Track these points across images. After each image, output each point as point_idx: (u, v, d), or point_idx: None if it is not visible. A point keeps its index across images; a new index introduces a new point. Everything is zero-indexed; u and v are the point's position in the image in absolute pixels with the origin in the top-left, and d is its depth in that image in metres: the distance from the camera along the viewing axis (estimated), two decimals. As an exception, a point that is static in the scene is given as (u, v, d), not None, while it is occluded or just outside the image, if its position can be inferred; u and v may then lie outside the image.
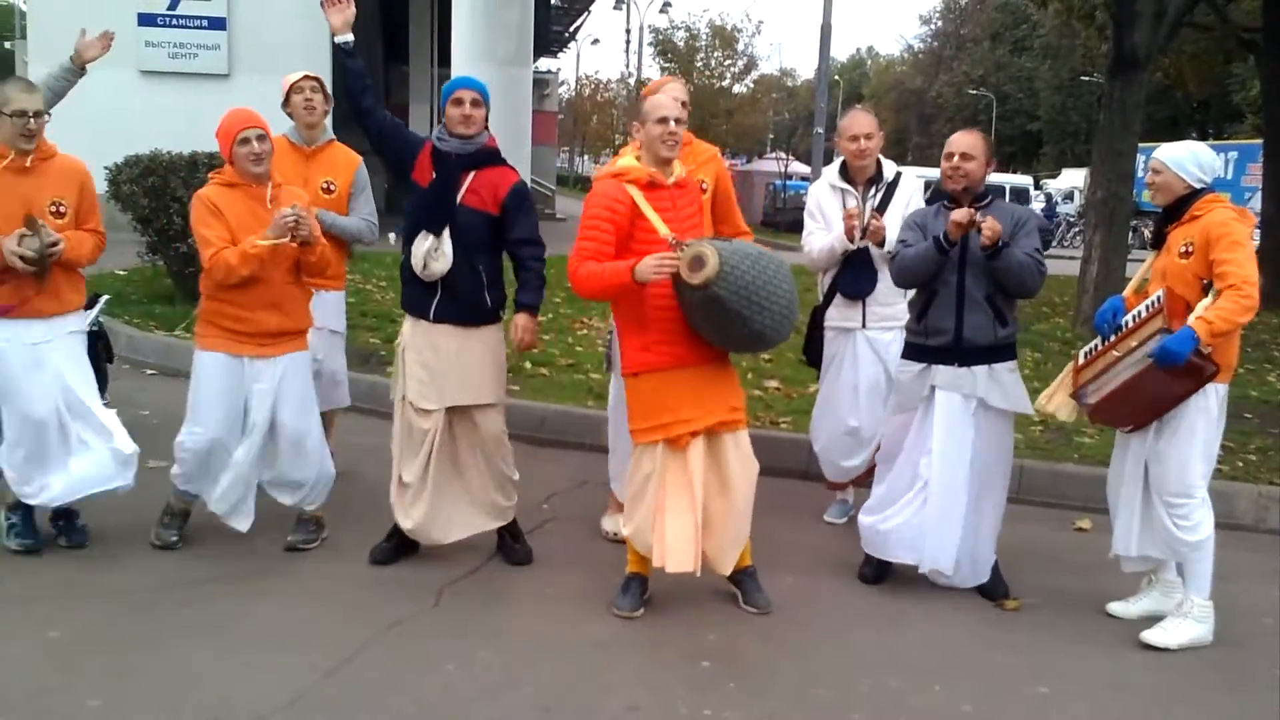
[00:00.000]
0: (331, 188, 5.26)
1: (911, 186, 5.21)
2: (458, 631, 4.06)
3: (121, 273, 10.88)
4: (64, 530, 4.66)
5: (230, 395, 4.55)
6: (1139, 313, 4.17)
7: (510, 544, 4.79)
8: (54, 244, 4.32)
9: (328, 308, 5.29)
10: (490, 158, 4.52)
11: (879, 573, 4.75)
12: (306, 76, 5.29)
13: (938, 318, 4.51)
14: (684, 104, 4.56)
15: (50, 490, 4.46)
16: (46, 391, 4.42)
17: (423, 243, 4.39)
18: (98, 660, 3.67)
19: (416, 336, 4.54)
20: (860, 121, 5.12)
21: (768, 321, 4.00)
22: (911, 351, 4.66)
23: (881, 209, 5.08)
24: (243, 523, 4.65)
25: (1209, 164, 4.25)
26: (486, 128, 4.57)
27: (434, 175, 4.42)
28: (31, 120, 4.32)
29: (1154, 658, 4.17)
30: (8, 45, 38.52)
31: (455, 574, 4.58)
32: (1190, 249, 4.13)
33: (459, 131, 4.45)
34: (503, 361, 4.71)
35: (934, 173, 4.90)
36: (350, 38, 4.50)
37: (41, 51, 16.13)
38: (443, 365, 4.49)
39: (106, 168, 9.42)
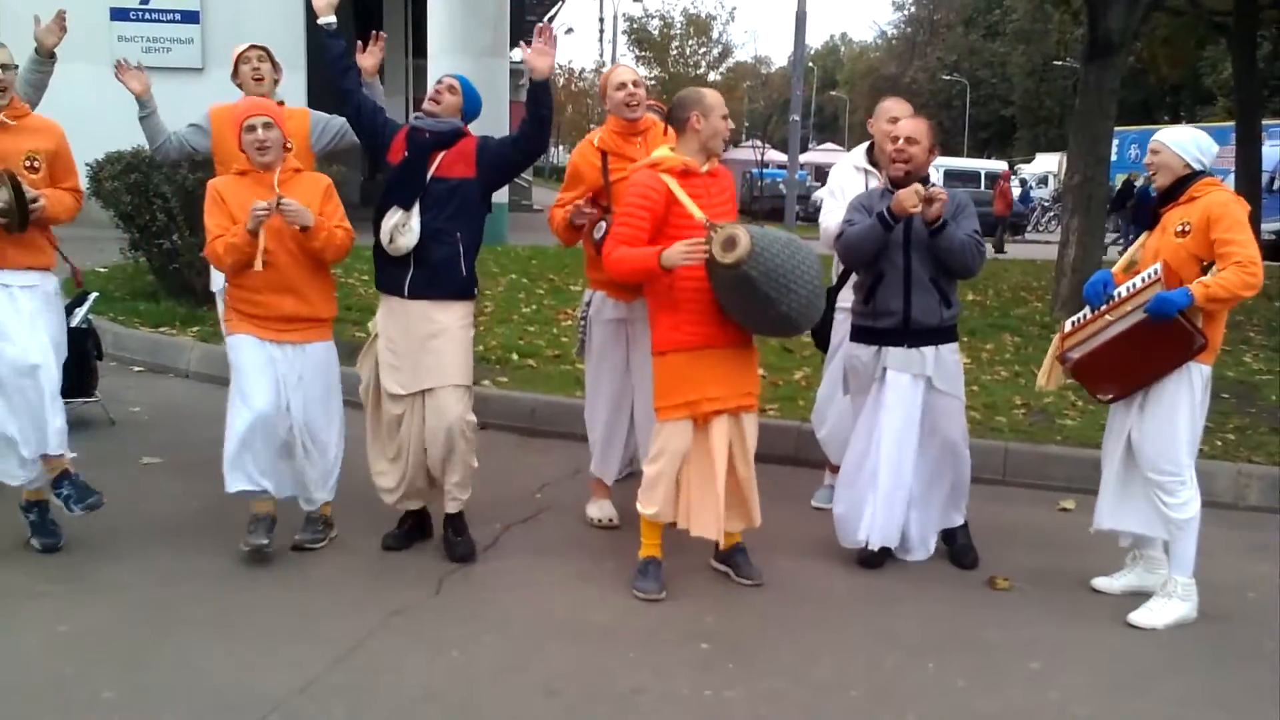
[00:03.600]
0: (288, 145, 5.26)
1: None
2: (461, 618, 4.12)
3: (103, 270, 10.84)
4: (36, 527, 4.56)
5: (269, 368, 4.49)
6: (1133, 284, 4.25)
7: (452, 536, 4.73)
8: (34, 201, 4.34)
9: None
10: (460, 137, 4.58)
11: (878, 557, 4.83)
12: (253, 46, 5.33)
13: (885, 299, 4.63)
14: (634, 83, 4.90)
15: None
16: (24, 334, 4.42)
17: (391, 217, 4.43)
18: (109, 653, 3.71)
19: (388, 319, 4.59)
20: (902, 108, 5.18)
21: (794, 305, 4.14)
22: (860, 334, 4.79)
23: None
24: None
25: (1207, 148, 4.34)
26: (463, 119, 4.64)
27: (405, 154, 4.50)
28: (2, 73, 4.37)
29: (1142, 633, 4.27)
30: (-24, 40, 38.06)
31: (454, 564, 4.63)
32: (1187, 228, 4.20)
33: (427, 109, 4.59)
34: (471, 344, 4.70)
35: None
36: (333, 19, 4.56)
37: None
38: (413, 347, 4.53)
39: (88, 164, 9.39)
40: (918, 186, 4.45)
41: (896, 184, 4.60)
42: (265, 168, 4.49)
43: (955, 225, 4.52)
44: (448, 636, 3.95)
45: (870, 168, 5.26)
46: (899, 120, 5.04)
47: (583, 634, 4.05)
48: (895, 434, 4.66)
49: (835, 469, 5.61)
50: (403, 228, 4.42)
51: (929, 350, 4.64)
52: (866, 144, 5.35)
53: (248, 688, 3.52)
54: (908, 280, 4.60)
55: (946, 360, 4.69)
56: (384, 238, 4.45)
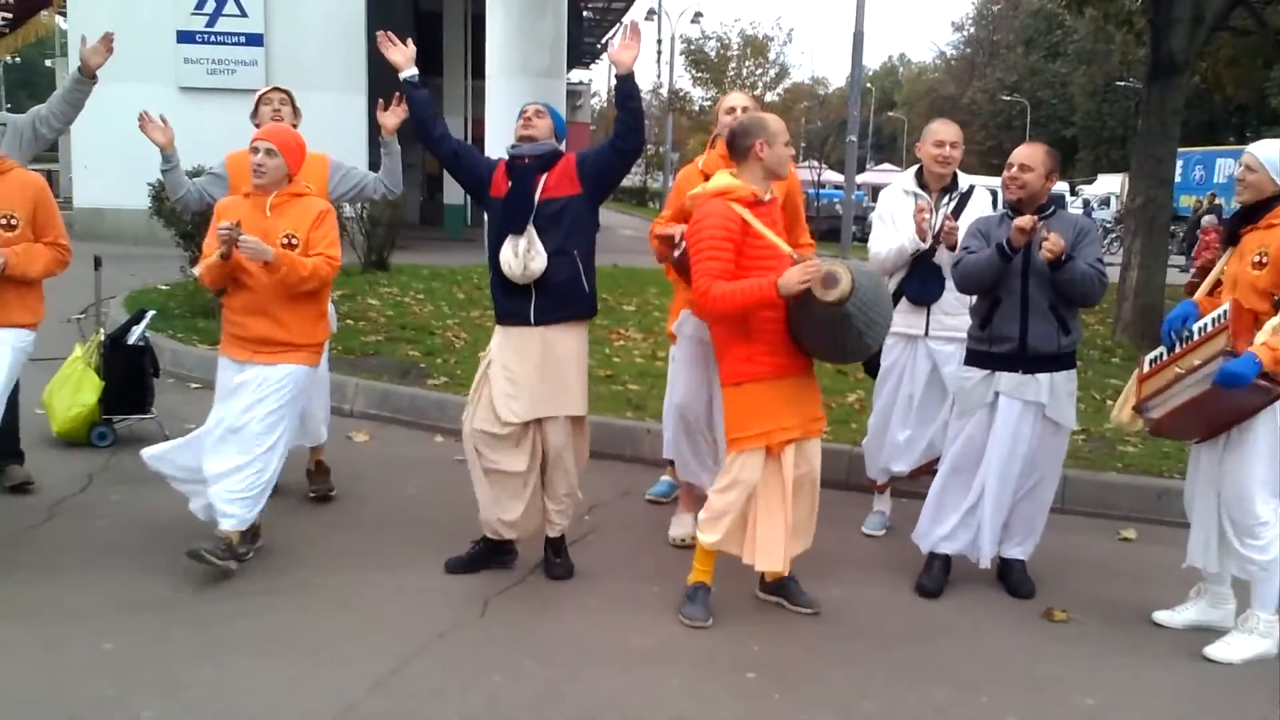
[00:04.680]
0: (307, 188, 5.29)
1: (984, 200, 5.21)
2: (504, 642, 4.08)
3: (164, 287, 11.02)
4: None
5: (230, 397, 4.61)
6: (1205, 325, 4.12)
7: (551, 558, 4.79)
8: None
9: None
10: (559, 157, 4.58)
11: (939, 586, 4.75)
12: (276, 89, 5.39)
13: (1002, 325, 4.55)
14: (743, 109, 4.85)
15: None
16: None
17: (509, 246, 4.41)
18: (151, 672, 3.71)
19: (505, 347, 4.55)
20: (948, 130, 5.16)
21: (878, 335, 4.16)
22: (974, 359, 4.70)
23: (954, 218, 5.08)
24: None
25: None
26: (557, 140, 4.65)
27: (509, 184, 4.49)
28: None
29: (1203, 669, 4.14)
30: (49, 63, 39.04)
31: (500, 585, 4.60)
32: (1264, 259, 4.05)
33: (522, 134, 4.56)
34: (586, 372, 4.72)
35: (993, 181, 4.92)
36: (415, 72, 4.55)
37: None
38: (530, 373, 4.52)
39: (149, 184, 9.55)
40: (1034, 219, 4.39)
41: (1016, 210, 4.54)
42: (260, 190, 4.56)
43: (1077, 255, 4.41)
44: (490, 660, 3.92)
45: (919, 191, 5.19)
46: (944, 143, 5.08)
47: (626, 660, 3.99)
48: (1002, 461, 4.59)
49: (872, 485, 5.61)
50: (530, 253, 4.40)
51: (1044, 377, 4.55)
52: (915, 167, 5.30)
53: (287, 711, 3.51)
54: (1025, 307, 4.51)
55: (1060, 388, 4.59)
56: (514, 269, 4.40)
